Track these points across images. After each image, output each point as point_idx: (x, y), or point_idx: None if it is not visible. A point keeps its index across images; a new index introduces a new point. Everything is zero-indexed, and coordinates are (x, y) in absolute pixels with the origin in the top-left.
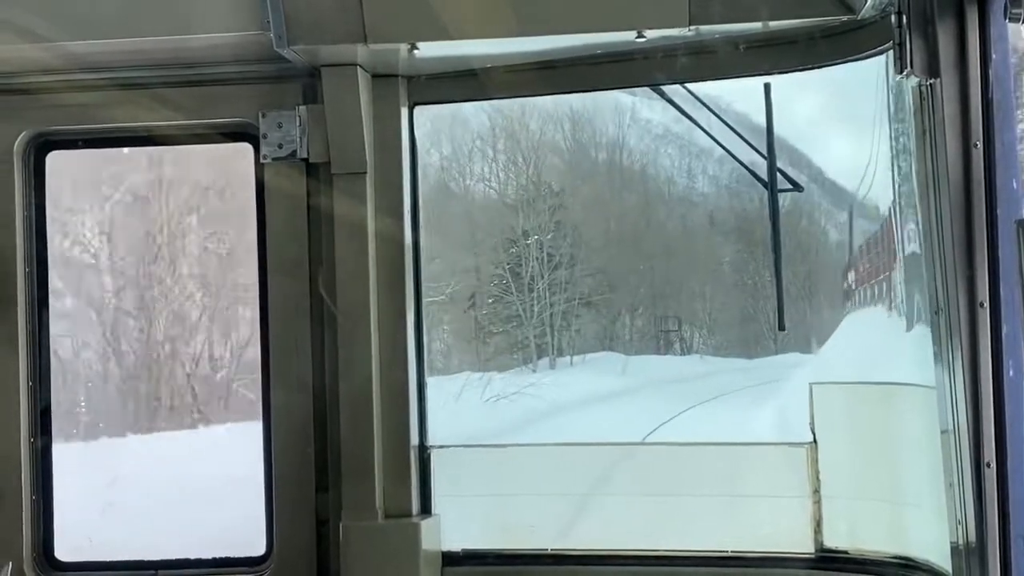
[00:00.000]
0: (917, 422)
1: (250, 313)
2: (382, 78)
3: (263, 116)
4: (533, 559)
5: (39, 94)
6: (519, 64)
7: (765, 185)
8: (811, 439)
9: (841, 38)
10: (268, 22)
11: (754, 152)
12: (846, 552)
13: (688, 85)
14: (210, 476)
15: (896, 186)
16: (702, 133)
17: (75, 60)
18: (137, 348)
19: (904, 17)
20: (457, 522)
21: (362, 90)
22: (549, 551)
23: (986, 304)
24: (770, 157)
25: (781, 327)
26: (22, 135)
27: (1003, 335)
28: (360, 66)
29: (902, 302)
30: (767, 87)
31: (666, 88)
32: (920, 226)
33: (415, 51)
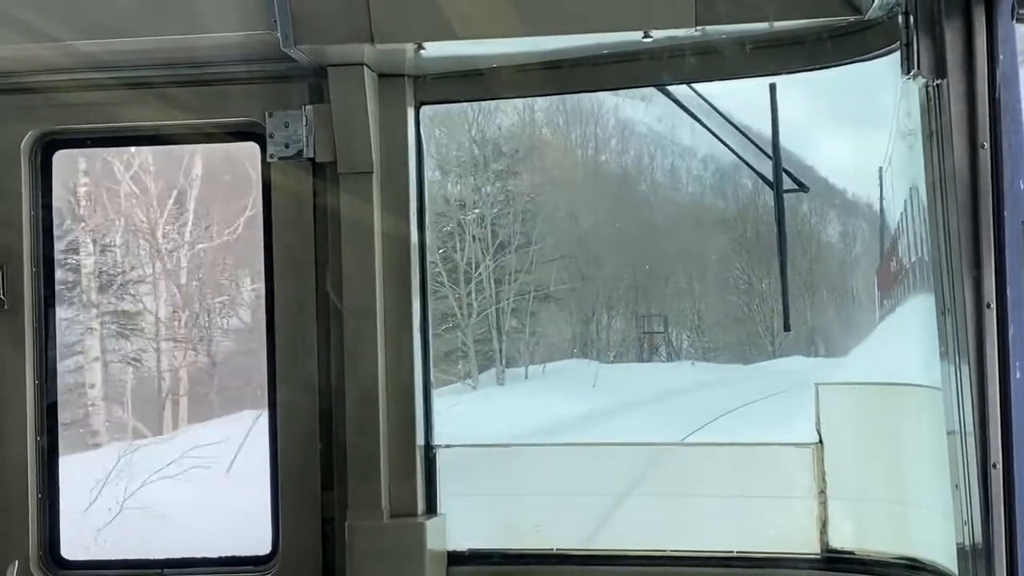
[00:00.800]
0: (923, 423)
1: None
2: (388, 78)
3: (269, 116)
4: (538, 559)
5: (46, 93)
6: (525, 64)
7: (771, 185)
8: (817, 440)
9: (848, 39)
10: (275, 22)
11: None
12: (852, 553)
13: (694, 85)
14: None
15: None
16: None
17: (82, 59)
18: None
19: (911, 18)
20: (462, 522)
21: (368, 90)
22: (554, 551)
23: (993, 305)
24: (776, 158)
25: (787, 328)
26: (29, 134)
27: (1010, 336)
28: (367, 66)
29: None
30: (773, 87)
31: (671, 88)
32: (927, 227)
33: (421, 51)
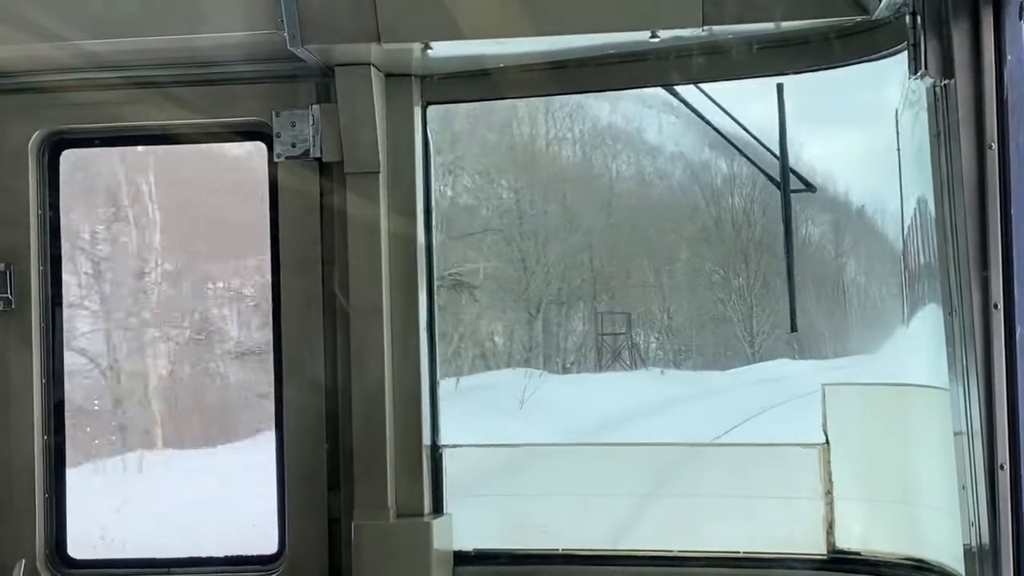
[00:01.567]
0: (930, 424)
1: None
2: (395, 77)
3: (276, 115)
4: (544, 559)
5: (53, 93)
6: (532, 64)
7: (778, 185)
8: (824, 440)
9: (855, 39)
10: (282, 21)
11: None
12: (858, 553)
13: (701, 85)
14: None
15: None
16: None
17: (89, 59)
18: None
19: (918, 18)
20: (469, 521)
21: (375, 89)
22: (560, 551)
23: (1000, 305)
24: (783, 157)
25: (794, 328)
26: (36, 134)
27: (1017, 337)
28: (373, 65)
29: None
30: (780, 87)
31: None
32: (934, 227)
33: (428, 51)
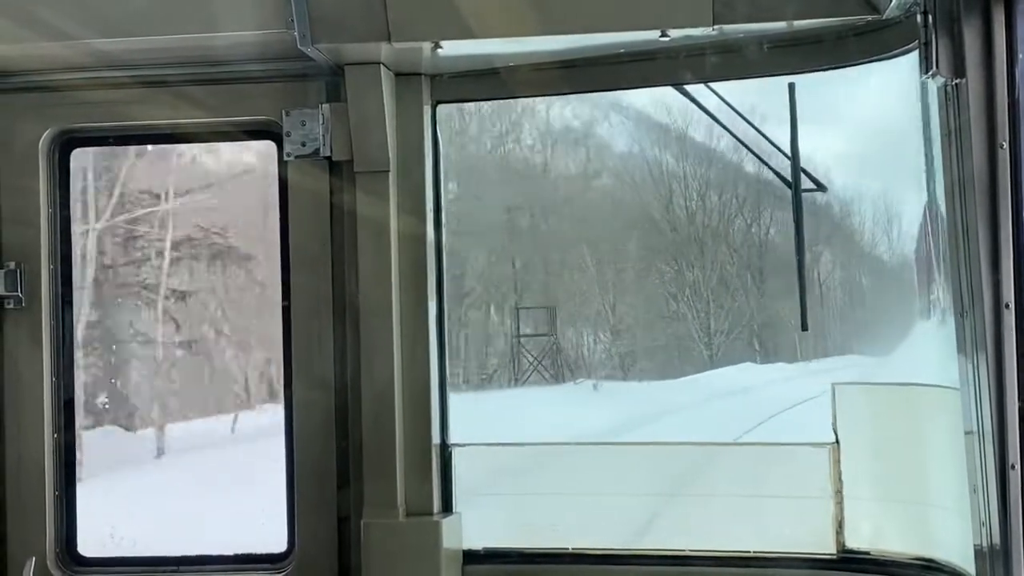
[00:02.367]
0: (941, 423)
1: None
2: (405, 76)
3: (286, 114)
4: (554, 558)
5: (64, 91)
6: (542, 63)
7: (789, 185)
8: (833, 439)
9: (866, 38)
10: (292, 20)
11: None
12: (868, 553)
13: (712, 84)
14: None
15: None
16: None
17: (99, 58)
18: None
19: (930, 17)
20: (478, 520)
21: (385, 88)
22: (570, 550)
23: (1011, 305)
24: (794, 157)
25: (804, 328)
26: (47, 132)
27: None
28: (383, 64)
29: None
30: (791, 87)
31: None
32: (945, 227)
33: (438, 50)
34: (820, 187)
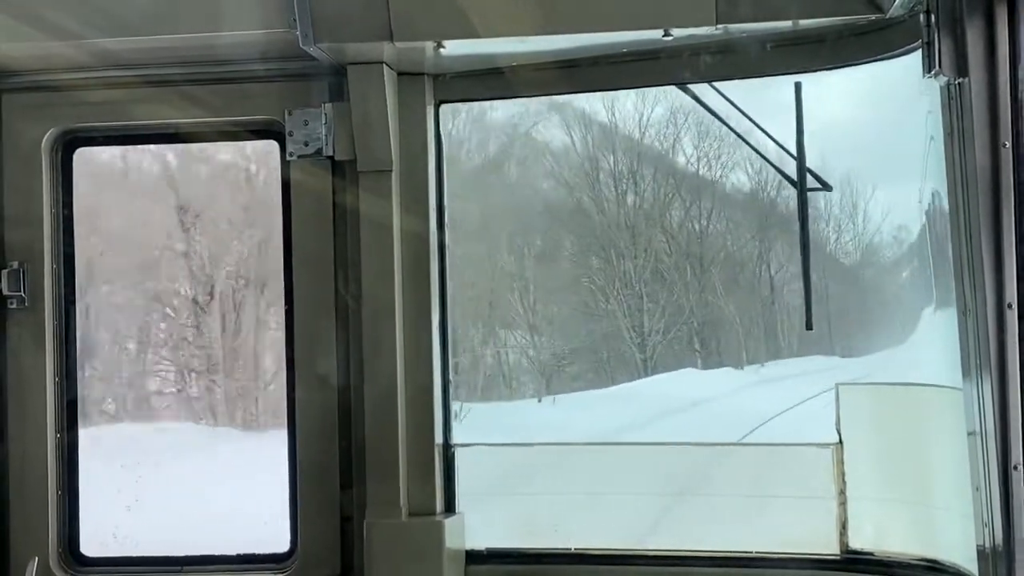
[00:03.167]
0: (944, 424)
1: None
2: (408, 76)
3: (289, 114)
4: (556, 558)
5: (67, 91)
6: (545, 62)
7: (794, 184)
8: (837, 440)
9: (869, 37)
10: (295, 20)
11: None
12: (871, 554)
13: (715, 84)
14: None
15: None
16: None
17: (103, 57)
18: None
19: (932, 16)
20: (481, 521)
21: (388, 88)
22: (572, 550)
23: (1014, 305)
24: (799, 156)
25: (809, 327)
26: (49, 132)
27: None
28: (386, 64)
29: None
30: (798, 86)
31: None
32: (948, 227)
33: (441, 49)
34: (825, 186)
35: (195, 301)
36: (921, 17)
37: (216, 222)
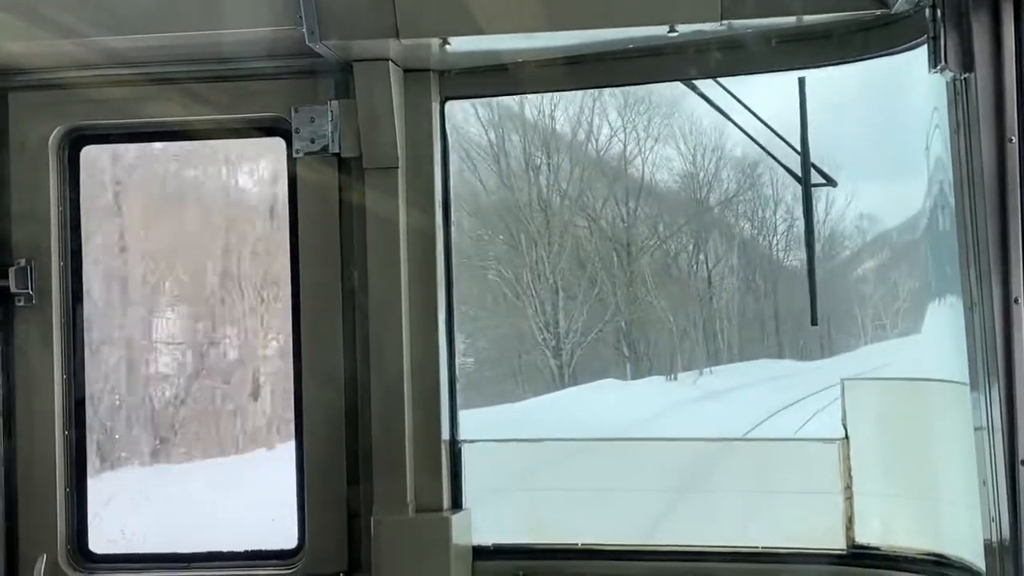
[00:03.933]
0: (950, 418)
1: None
2: (414, 73)
3: (295, 111)
4: (563, 553)
5: (73, 89)
6: (550, 59)
7: (799, 180)
8: (843, 435)
9: (875, 32)
10: (300, 17)
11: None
12: (878, 548)
13: (720, 80)
14: None
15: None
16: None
17: (109, 55)
18: None
19: (938, 11)
20: (488, 517)
21: (394, 85)
22: (579, 546)
23: (1021, 299)
24: (804, 152)
25: (814, 322)
26: (56, 130)
27: None
28: (392, 61)
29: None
30: (801, 81)
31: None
32: (954, 221)
33: (447, 46)
34: (830, 181)
35: None
36: (927, 12)
37: None
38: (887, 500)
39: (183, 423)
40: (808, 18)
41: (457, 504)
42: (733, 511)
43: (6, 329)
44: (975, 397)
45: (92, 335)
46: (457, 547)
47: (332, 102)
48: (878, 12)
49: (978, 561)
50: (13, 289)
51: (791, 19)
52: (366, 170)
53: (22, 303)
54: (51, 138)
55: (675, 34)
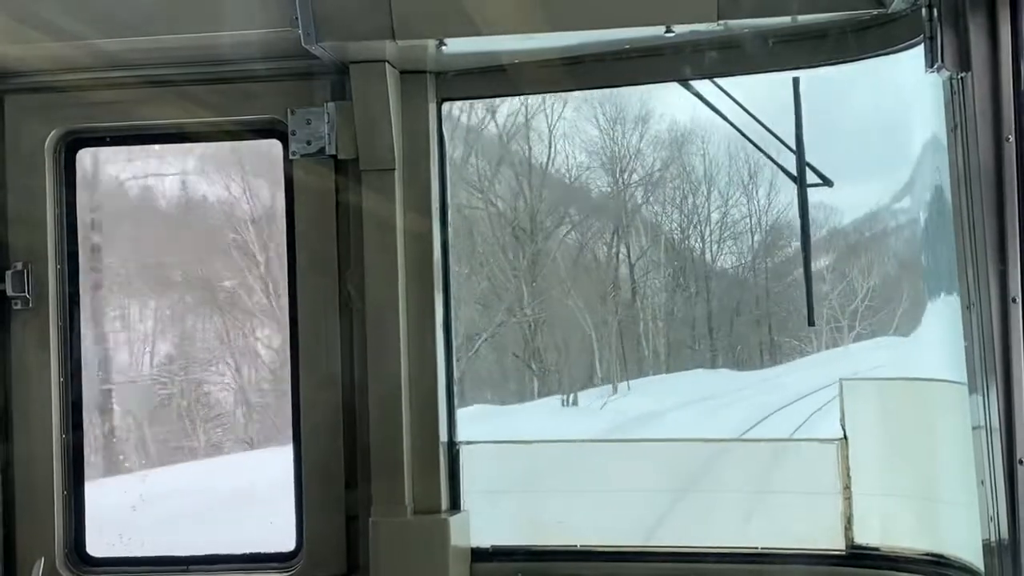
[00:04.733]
0: (949, 418)
1: None
2: (410, 74)
3: (292, 113)
4: (561, 555)
5: (69, 92)
6: (547, 60)
7: (794, 180)
8: (842, 435)
9: (871, 32)
10: (296, 19)
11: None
12: (877, 549)
13: (717, 80)
14: None
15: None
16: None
17: (105, 58)
18: None
19: (935, 10)
20: (486, 518)
21: (390, 86)
22: (578, 547)
23: (1019, 299)
24: (799, 152)
25: (811, 323)
26: (53, 133)
27: None
28: (388, 62)
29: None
30: (796, 81)
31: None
32: (952, 221)
33: (443, 47)
34: (826, 182)
35: None
36: (923, 12)
37: None
38: (886, 500)
39: None
40: (804, 18)
41: (455, 506)
42: (732, 512)
43: (3, 332)
44: (973, 397)
45: None
46: (455, 549)
47: (328, 104)
48: (875, 12)
49: (977, 561)
50: (10, 292)
51: (787, 19)
52: (363, 172)
53: (19, 306)
54: (47, 141)
55: (672, 34)
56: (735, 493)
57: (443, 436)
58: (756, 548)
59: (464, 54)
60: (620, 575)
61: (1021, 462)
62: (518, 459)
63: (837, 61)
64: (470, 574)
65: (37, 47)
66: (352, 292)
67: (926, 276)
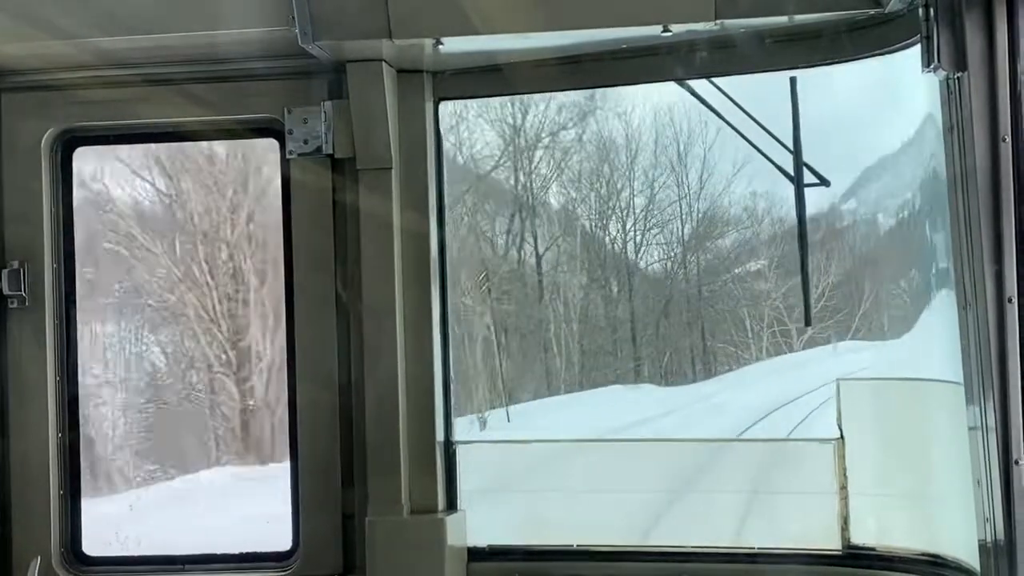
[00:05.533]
0: (945, 419)
1: None
2: (407, 73)
3: (288, 112)
4: (558, 555)
5: (66, 90)
6: (544, 59)
7: (791, 179)
8: (838, 435)
9: (867, 32)
10: (293, 18)
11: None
12: (873, 549)
13: (714, 79)
14: None
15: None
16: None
17: (102, 56)
18: None
19: (931, 10)
20: (483, 517)
21: (387, 85)
22: (575, 547)
23: (1015, 299)
24: (796, 152)
25: (807, 323)
26: (49, 131)
27: None
28: (385, 61)
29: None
30: (793, 81)
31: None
32: (947, 221)
33: (440, 46)
34: (823, 182)
35: None
36: (920, 11)
37: None
38: (882, 500)
39: None
40: (801, 18)
41: (452, 505)
42: (728, 512)
43: None
44: (969, 397)
45: None
46: (452, 548)
47: (325, 103)
48: (871, 12)
49: (973, 561)
50: (6, 291)
51: (784, 18)
52: (360, 171)
53: (15, 305)
54: (43, 140)
55: (669, 34)
56: (731, 493)
57: (439, 435)
58: (753, 548)
59: (461, 53)
60: (617, 575)
61: (1017, 462)
62: (515, 459)
63: (834, 61)
64: (467, 574)
65: (34, 45)
66: (341, 291)
67: (921, 275)
